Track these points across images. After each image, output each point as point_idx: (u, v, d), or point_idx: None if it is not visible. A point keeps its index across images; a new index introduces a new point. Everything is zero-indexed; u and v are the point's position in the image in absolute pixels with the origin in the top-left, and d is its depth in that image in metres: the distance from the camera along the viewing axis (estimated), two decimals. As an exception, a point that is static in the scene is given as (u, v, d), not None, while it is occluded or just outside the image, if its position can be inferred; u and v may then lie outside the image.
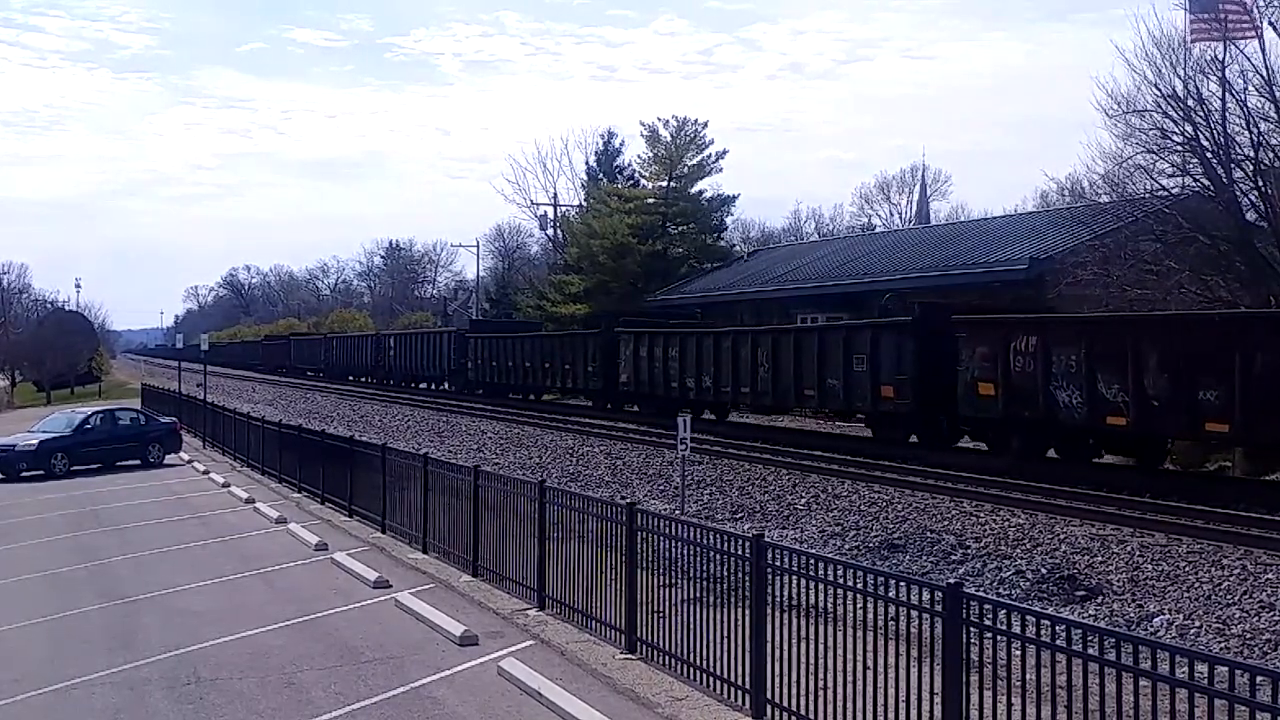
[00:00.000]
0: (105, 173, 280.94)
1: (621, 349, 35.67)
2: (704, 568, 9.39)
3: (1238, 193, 24.82)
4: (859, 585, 7.67)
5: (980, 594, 7.48)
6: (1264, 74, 24.16)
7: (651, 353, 33.76)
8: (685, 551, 9.80)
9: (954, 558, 14.39)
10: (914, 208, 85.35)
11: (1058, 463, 21.15)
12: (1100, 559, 13.86)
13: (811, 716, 7.80)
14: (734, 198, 60.32)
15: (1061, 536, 15.19)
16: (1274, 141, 24.45)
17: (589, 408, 40.05)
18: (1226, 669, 5.66)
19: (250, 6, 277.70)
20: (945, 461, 22.05)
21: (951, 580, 7.39)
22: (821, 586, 8.02)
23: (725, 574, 9.08)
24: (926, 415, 24.03)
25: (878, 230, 73.30)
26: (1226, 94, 24.39)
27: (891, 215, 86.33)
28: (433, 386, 58.01)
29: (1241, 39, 24.53)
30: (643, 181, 62.18)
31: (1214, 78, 24.69)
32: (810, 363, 26.56)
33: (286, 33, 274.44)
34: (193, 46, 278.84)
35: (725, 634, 8.85)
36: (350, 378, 69.61)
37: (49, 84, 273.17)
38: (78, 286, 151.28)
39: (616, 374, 36.09)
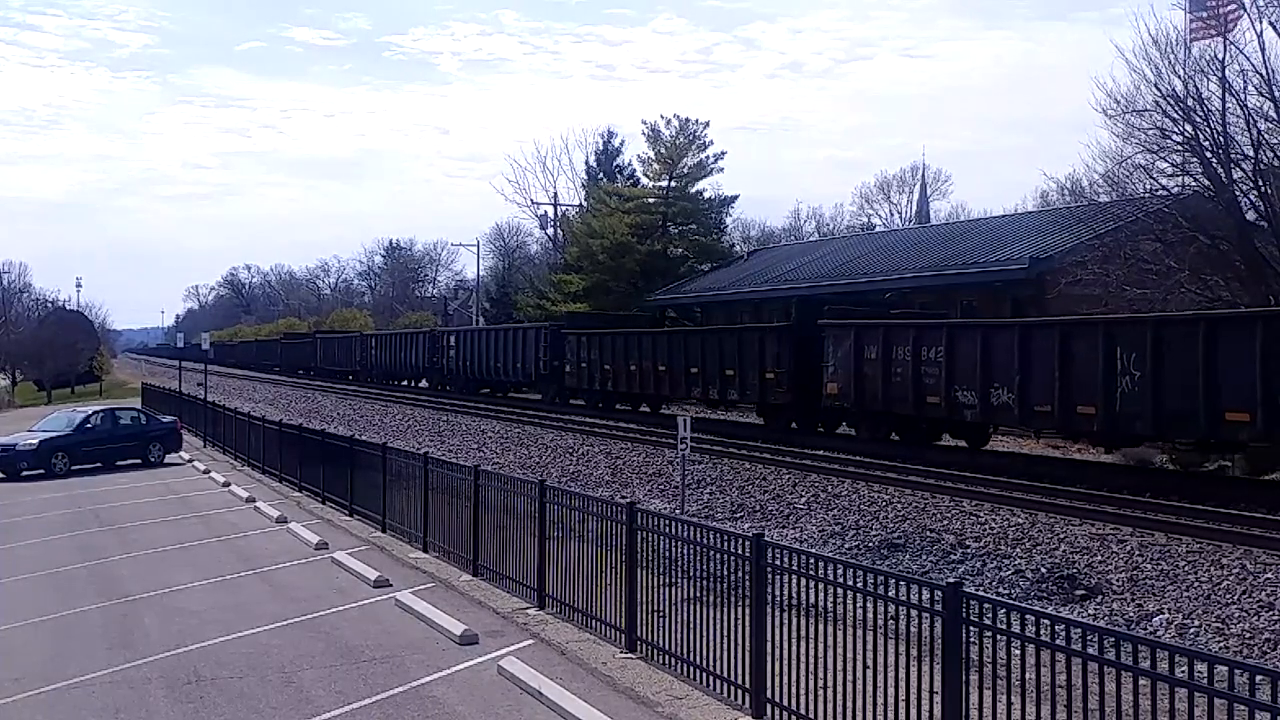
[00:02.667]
0: (104, 172, 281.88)
1: (828, 348, 26.03)
2: (704, 567, 9.39)
3: (1237, 192, 24.84)
4: (859, 584, 7.67)
5: (980, 593, 7.49)
6: (1264, 74, 24.20)
7: (890, 353, 24.17)
8: (685, 551, 9.79)
9: (954, 557, 14.39)
10: (914, 207, 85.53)
11: (1059, 463, 20.92)
12: (1100, 559, 13.86)
13: (811, 715, 7.81)
14: (734, 198, 60.55)
15: (1061, 536, 15.20)
16: (1274, 141, 24.47)
17: (757, 427, 30.76)
18: (1226, 669, 5.66)
19: (248, 5, 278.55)
20: None
21: (951, 580, 7.39)
22: (821, 586, 8.02)
23: (725, 573, 9.08)
24: None
25: (878, 230, 73.38)
26: (1226, 94, 24.42)
27: (891, 215, 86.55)
28: (499, 394, 49.55)
29: (1238, 32, 24.58)
30: (643, 181, 62.32)
31: (1214, 77, 24.74)
32: (1246, 367, 17.01)
33: (285, 32, 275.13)
34: (191, 45, 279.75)
35: (725, 633, 8.85)
36: (395, 382, 61.73)
37: (47, 83, 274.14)
38: (78, 286, 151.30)
39: (818, 382, 26.61)
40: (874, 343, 24.61)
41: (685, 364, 32.83)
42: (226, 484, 25.40)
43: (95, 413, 32.88)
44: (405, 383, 61.16)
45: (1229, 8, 24.72)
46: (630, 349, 36.25)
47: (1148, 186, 26.41)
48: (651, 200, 59.35)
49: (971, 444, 24.86)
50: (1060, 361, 20.04)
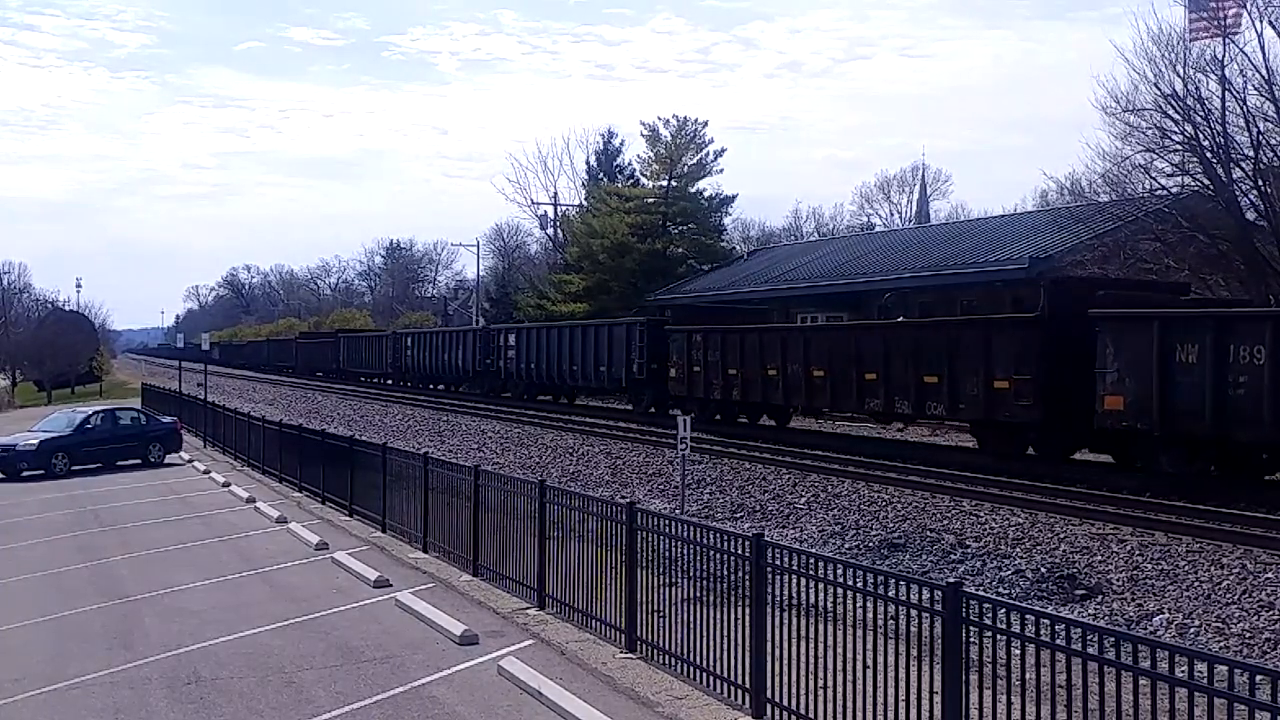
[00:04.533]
0: (103, 172, 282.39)
1: (1106, 348, 19.04)
2: (704, 567, 9.38)
3: (1237, 192, 24.85)
4: (859, 584, 7.67)
5: (980, 593, 7.48)
6: (1263, 74, 24.21)
7: (1225, 355, 17.07)
8: (685, 551, 9.79)
9: (954, 557, 14.40)
10: (914, 207, 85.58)
11: (1059, 463, 20.93)
12: (1100, 558, 13.86)
13: (812, 715, 7.80)
14: (733, 197, 60.60)
15: (1061, 536, 15.20)
16: (1273, 141, 24.49)
17: (968, 451, 23.99)
18: (1226, 668, 5.66)
19: (247, 5, 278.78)
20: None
21: (951, 579, 7.39)
22: (821, 586, 8.02)
23: (725, 573, 9.08)
24: None
25: (878, 230, 73.36)
26: (1226, 93, 24.43)
27: (891, 215, 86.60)
28: (561, 400, 44.29)
29: (1238, 32, 24.60)
30: (643, 181, 62.32)
31: (1214, 77, 24.77)
32: None
33: (283, 31, 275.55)
34: (189, 45, 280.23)
35: (725, 633, 8.85)
36: (437, 386, 56.30)
37: (46, 83, 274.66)
38: (78, 287, 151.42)
39: (1083, 393, 19.46)
40: (1193, 340, 17.55)
41: (858, 369, 25.16)
42: (226, 484, 25.40)
43: (95, 413, 32.86)
44: (443, 387, 55.97)
45: (1228, 7, 24.73)
46: (770, 349, 28.36)
47: (1147, 186, 26.47)
48: (651, 200, 59.36)
49: None
50: None
